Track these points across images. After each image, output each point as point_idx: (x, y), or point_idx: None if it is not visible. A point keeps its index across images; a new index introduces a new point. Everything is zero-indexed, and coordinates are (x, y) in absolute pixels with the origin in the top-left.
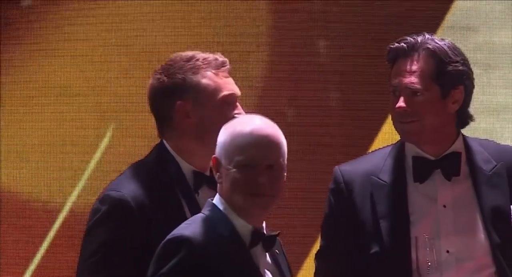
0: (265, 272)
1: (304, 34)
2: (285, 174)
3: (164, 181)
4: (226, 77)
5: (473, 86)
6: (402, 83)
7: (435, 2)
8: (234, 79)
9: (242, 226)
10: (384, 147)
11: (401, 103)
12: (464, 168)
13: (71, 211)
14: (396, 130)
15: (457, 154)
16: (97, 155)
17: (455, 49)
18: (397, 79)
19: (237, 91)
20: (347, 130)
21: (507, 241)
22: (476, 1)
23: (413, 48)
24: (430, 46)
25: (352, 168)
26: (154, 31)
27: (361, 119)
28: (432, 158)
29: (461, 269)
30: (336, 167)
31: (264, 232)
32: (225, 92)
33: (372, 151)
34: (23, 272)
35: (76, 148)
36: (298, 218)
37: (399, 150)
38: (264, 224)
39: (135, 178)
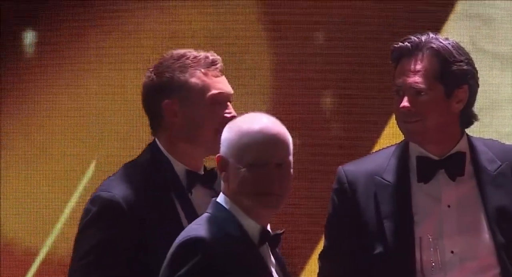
0: (272, 270)
1: (306, 34)
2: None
3: (156, 181)
4: (216, 76)
5: (477, 86)
6: (406, 82)
7: None
8: (238, 78)
9: (250, 225)
10: (388, 147)
11: (405, 102)
12: (468, 168)
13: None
14: (400, 129)
15: (461, 154)
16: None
17: (459, 48)
18: (401, 78)
19: (227, 90)
20: (351, 129)
21: None
22: None
23: (417, 48)
24: (434, 46)
25: (356, 168)
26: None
27: (365, 119)
28: (436, 158)
29: (465, 269)
30: (340, 167)
31: (270, 231)
32: (213, 91)
33: (376, 151)
34: None
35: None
36: (302, 217)
37: (403, 150)
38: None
39: (127, 178)
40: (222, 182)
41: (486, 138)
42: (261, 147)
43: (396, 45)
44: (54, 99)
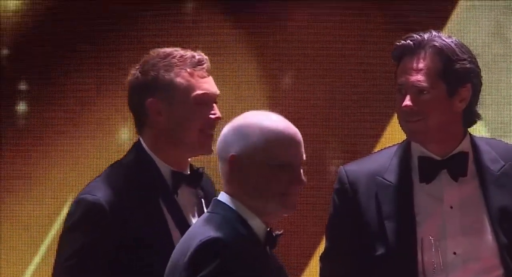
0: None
1: (309, 33)
2: None
3: (142, 183)
4: (202, 76)
5: (480, 84)
6: (408, 81)
7: None
8: (241, 77)
9: (257, 225)
10: (389, 146)
11: (407, 101)
12: (471, 168)
13: None
14: (402, 129)
15: (464, 154)
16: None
17: (462, 46)
18: (403, 77)
19: (213, 90)
20: (353, 129)
21: None
22: None
23: (419, 46)
24: (437, 44)
25: (357, 168)
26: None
27: (366, 118)
28: (438, 158)
29: (468, 270)
30: (341, 167)
31: (273, 232)
32: (198, 92)
33: (378, 151)
34: None
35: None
36: (304, 217)
37: (405, 149)
38: None
39: (112, 180)
40: (225, 182)
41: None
42: (288, 147)
43: (398, 43)
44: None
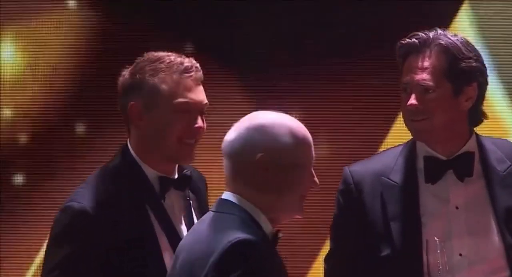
0: None
1: (316, 32)
2: None
3: (128, 188)
4: (189, 84)
5: (487, 83)
6: (413, 80)
7: None
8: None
9: (267, 227)
10: (395, 146)
11: (412, 100)
12: (477, 168)
13: None
14: (407, 128)
15: (470, 154)
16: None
17: (468, 44)
18: (408, 76)
19: (197, 99)
20: (358, 129)
21: None
22: None
23: (424, 44)
24: (442, 42)
25: (362, 168)
26: None
27: (371, 118)
28: (444, 158)
29: (474, 272)
30: (346, 167)
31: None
32: (179, 100)
33: (383, 151)
34: None
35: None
36: (308, 218)
37: (410, 149)
38: None
39: (98, 186)
40: (234, 181)
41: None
42: (309, 148)
43: (403, 41)
44: None
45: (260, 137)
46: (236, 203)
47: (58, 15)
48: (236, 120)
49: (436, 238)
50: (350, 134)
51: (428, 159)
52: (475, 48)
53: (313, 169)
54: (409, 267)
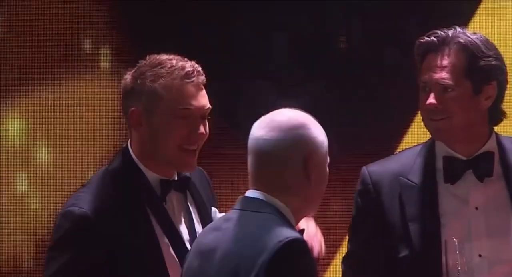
0: None
1: (332, 31)
2: None
3: (129, 192)
4: (190, 90)
5: (506, 82)
6: (432, 78)
7: None
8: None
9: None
10: (413, 146)
11: (431, 99)
12: (497, 168)
13: None
14: (426, 128)
15: (490, 154)
16: None
17: (487, 43)
18: (427, 74)
19: (199, 105)
20: (375, 128)
21: None
22: None
23: (444, 42)
24: (461, 40)
25: (380, 168)
26: None
27: (389, 117)
28: (463, 158)
29: (494, 273)
30: (364, 167)
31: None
32: (180, 106)
33: (401, 151)
34: None
35: None
36: (325, 218)
37: (429, 149)
38: None
39: (99, 189)
40: (264, 178)
41: None
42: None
43: (421, 40)
44: None
45: (304, 138)
46: (269, 202)
47: None
48: None
49: (455, 239)
50: (367, 133)
51: (447, 159)
52: (495, 46)
53: (329, 169)
54: (427, 268)
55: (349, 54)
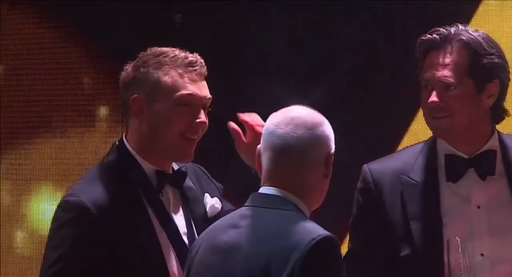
0: None
1: (332, 30)
2: None
3: (125, 183)
4: (193, 78)
5: (509, 80)
6: (434, 76)
7: None
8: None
9: None
10: (414, 144)
11: (433, 97)
12: (499, 166)
13: None
14: (428, 126)
15: (492, 152)
16: None
17: (489, 40)
18: (429, 72)
19: (200, 93)
20: (376, 126)
21: None
22: None
23: (446, 40)
24: (464, 38)
25: (382, 167)
26: None
27: (390, 115)
28: (465, 156)
29: (496, 273)
30: (365, 165)
31: None
32: (182, 92)
33: (402, 149)
34: None
35: None
36: (326, 217)
37: (430, 147)
38: None
39: (95, 180)
40: (284, 175)
41: None
42: None
43: (423, 37)
44: None
45: (325, 135)
46: (287, 199)
47: None
48: None
49: (457, 238)
50: (367, 131)
51: (449, 157)
52: (497, 44)
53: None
54: (429, 267)
55: (349, 54)
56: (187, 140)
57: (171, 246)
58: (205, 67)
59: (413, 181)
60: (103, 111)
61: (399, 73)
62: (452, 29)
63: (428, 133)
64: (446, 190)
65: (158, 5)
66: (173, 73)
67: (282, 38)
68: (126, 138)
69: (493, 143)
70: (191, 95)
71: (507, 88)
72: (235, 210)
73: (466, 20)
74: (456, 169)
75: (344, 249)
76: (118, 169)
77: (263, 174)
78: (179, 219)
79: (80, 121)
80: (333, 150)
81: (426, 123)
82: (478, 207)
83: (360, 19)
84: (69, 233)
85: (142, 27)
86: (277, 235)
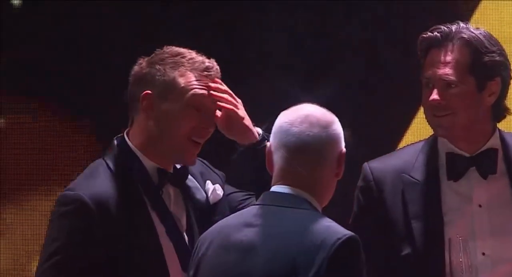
0: None
1: (335, 30)
2: None
3: (126, 180)
4: (207, 82)
5: (510, 78)
6: (436, 74)
7: None
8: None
9: None
10: (415, 143)
11: (435, 95)
12: (500, 165)
13: None
14: (429, 124)
15: (493, 151)
16: None
17: (491, 38)
18: (430, 70)
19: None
20: (376, 126)
21: None
22: None
23: (447, 38)
24: (465, 36)
25: (382, 165)
26: None
27: (390, 114)
28: (467, 155)
29: (498, 272)
30: (365, 163)
31: None
32: (194, 91)
33: (402, 147)
34: None
35: None
36: (326, 214)
37: (431, 146)
38: None
39: (95, 176)
40: (299, 174)
41: None
42: None
43: (424, 35)
44: None
45: (338, 133)
46: (303, 197)
47: None
48: None
49: (459, 237)
50: (368, 131)
51: (450, 156)
52: (498, 42)
53: None
54: (430, 266)
55: (349, 54)
56: (193, 143)
57: (171, 244)
58: (220, 74)
59: (414, 179)
60: None
61: (399, 73)
62: (453, 27)
63: (428, 133)
64: (447, 189)
65: (158, 5)
66: (189, 75)
67: (282, 38)
68: (128, 135)
69: (494, 142)
70: (203, 95)
71: (508, 86)
72: (238, 193)
73: (465, 20)
74: (457, 167)
75: None
76: (119, 166)
77: (275, 173)
78: (180, 217)
79: None
80: (344, 149)
81: (427, 121)
82: (480, 206)
83: (360, 19)
84: (66, 226)
85: (142, 27)
86: (299, 234)
